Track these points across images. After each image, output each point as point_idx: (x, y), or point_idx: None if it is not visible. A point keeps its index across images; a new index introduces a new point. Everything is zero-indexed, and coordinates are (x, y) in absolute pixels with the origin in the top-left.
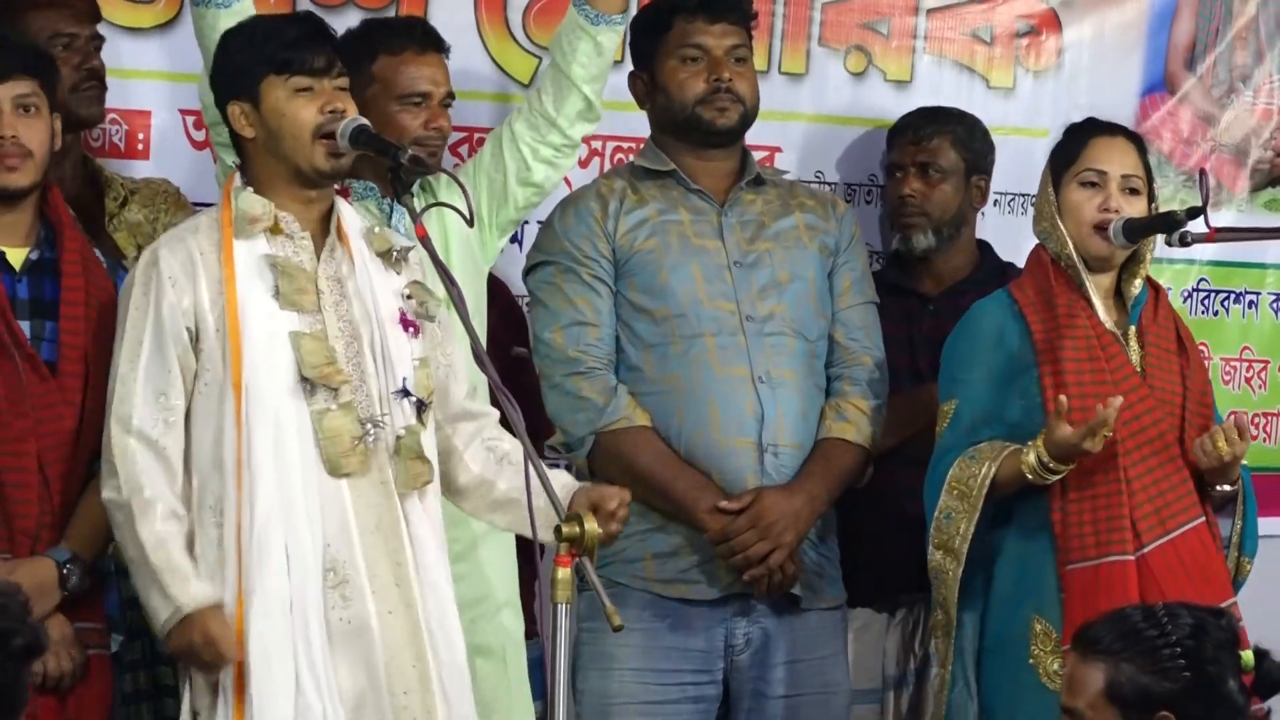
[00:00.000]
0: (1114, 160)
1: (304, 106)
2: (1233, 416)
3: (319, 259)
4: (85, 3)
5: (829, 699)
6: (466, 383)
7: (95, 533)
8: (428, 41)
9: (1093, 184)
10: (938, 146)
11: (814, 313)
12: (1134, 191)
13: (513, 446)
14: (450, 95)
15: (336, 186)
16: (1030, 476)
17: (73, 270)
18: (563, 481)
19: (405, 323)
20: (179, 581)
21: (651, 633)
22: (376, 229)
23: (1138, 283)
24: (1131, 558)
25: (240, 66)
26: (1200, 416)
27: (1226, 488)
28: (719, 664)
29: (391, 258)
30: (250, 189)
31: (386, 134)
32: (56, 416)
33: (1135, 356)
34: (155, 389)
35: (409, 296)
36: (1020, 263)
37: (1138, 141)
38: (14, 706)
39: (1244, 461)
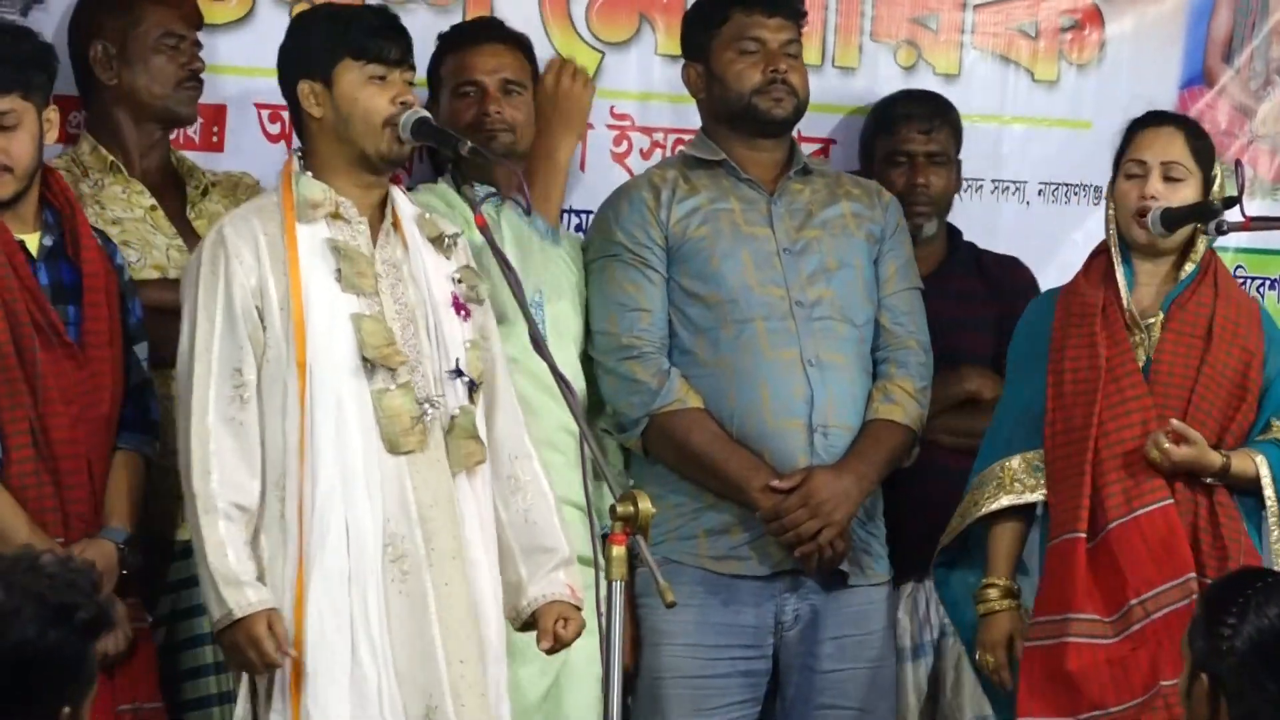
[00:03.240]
0: (1155, 149)
1: (376, 95)
2: (1170, 424)
3: (375, 244)
4: (193, 7)
5: (875, 673)
6: (513, 411)
7: (134, 509)
8: (483, 33)
9: (1135, 174)
10: (944, 136)
11: (861, 299)
12: (1175, 179)
13: (532, 484)
14: (513, 83)
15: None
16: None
17: (90, 256)
18: (544, 581)
19: (457, 306)
20: (232, 587)
21: (703, 609)
22: (427, 215)
23: (1188, 267)
24: (1082, 535)
25: (316, 47)
26: (1217, 402)
27: (1209, 479)
28: (769, 640)
29: (443, 243)
30: (309, 174)
31: (450, 126)
32: (94, 402)
33: (1153, 340)
34: (230, 365)
35: (459, 280)
36: (1063, 251)
37: (1189, 129)
38: (80, 681)
39: None
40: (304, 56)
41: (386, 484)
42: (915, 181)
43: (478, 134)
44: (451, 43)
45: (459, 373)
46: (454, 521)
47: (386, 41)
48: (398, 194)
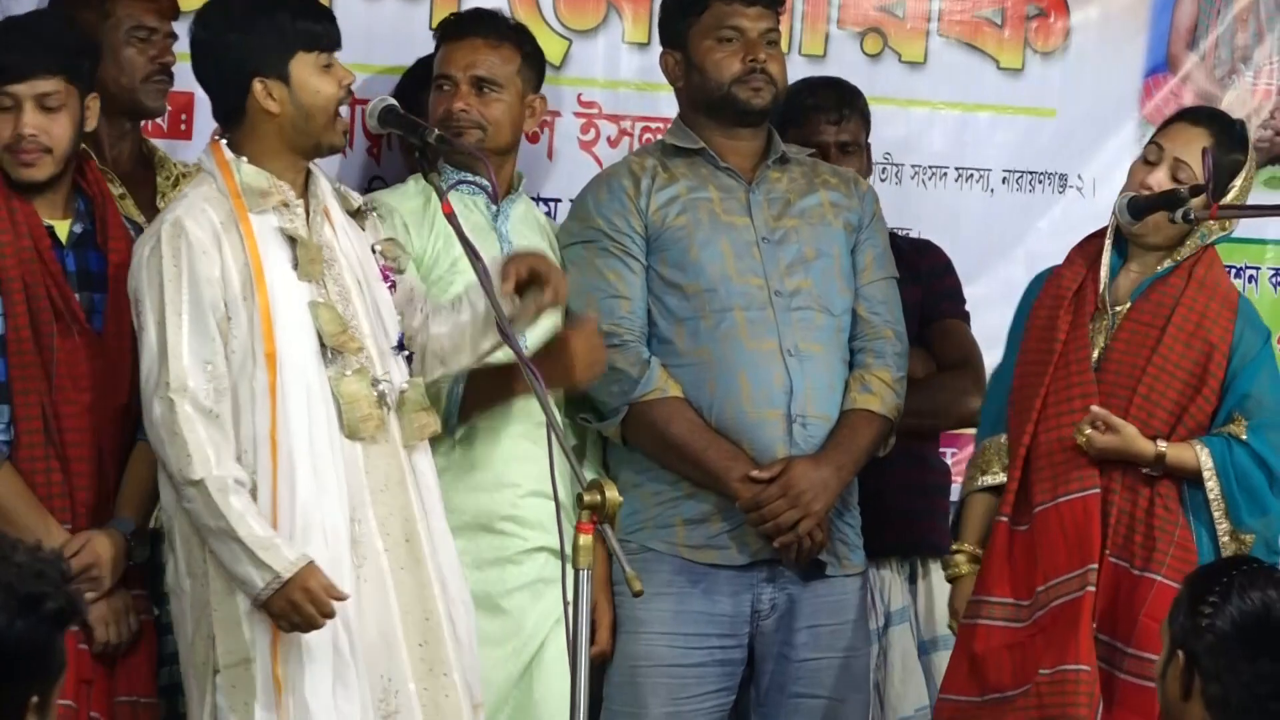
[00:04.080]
0: (1177, 142)
1: (329, 83)
2: (1092, 410)
3: (309, 226)
4: (169, 1)
5: (850, 662)
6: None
7: (147, 502)
8: (468, 27)
9: (1149, 160)
10: (854, 125)
11: (838, 288)
12: (1179, 180)
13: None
14: (485, 80)
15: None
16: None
17: (118, 245)
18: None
19: (385, 278)
20: (270, 551)
21: (680, 597)
22: (340, 188)
23: (1167, 261)
24: (1004, 519)
25: (267, 43)
26: (1168, 394)
27: (1146, 469)
28: (745, 629)
29: (361, 216)
30: (244, 159)
31: (427, 119)
32: (112, 391)
33: (1114, 329)
34: (202, 358)
35: (379, 251)
36: (1028, 240)
37: (1217, 138)
38: (49, 670)
39: (1243, 436)
40: (255, 53)
41: (347, 470)
42: None
43: (446, 130)
44: (442, 33)
45: (401, 346)
46: (406, 504)
47: (331, 27)
48: (316, 171)
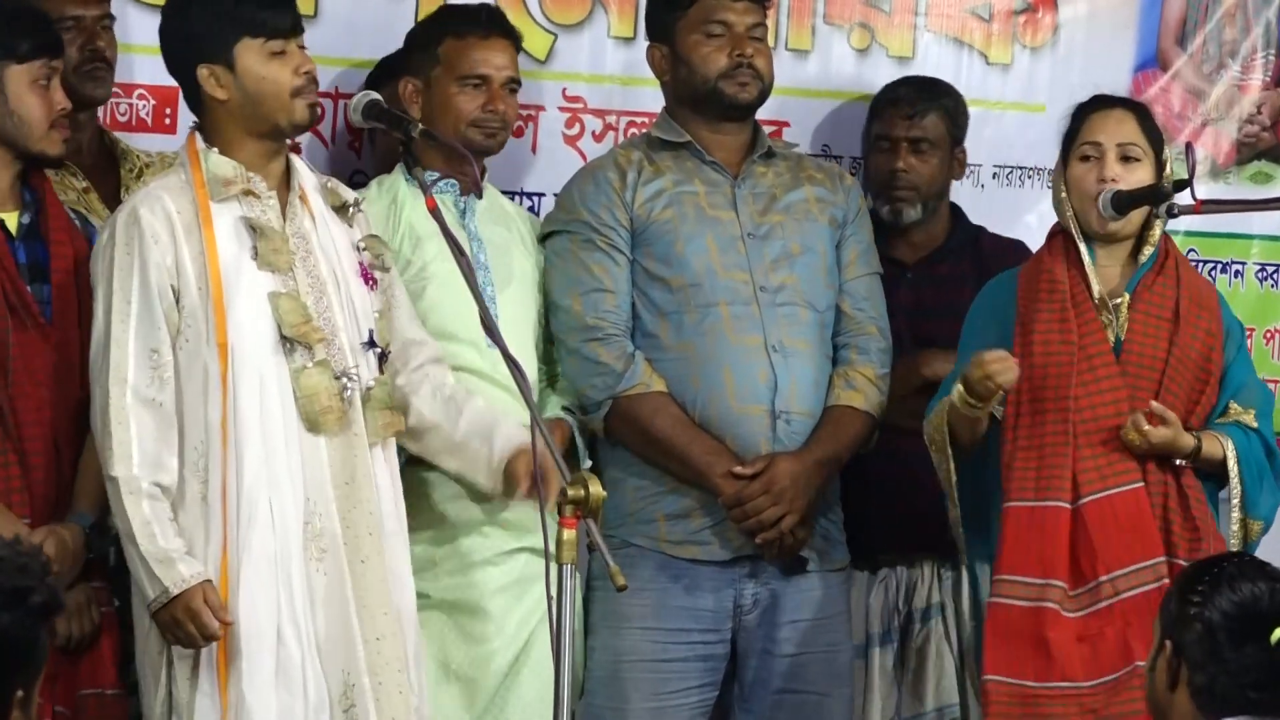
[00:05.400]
0: (1108, 131)
1: (281, 69)
2: (1150, 405)
3: (284, 217)
4: None
5: (832, 657)
6: (406, 309)
7: (104, 495)
8: (493, 26)
9: (1090, 157)
10: (930, 122)
11: (823, 284)
12: (1132, 160)
13: (456, 386)
14: (514, 81)
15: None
16: (961, 408)
17: (60, 238)
18: (506, 435)
19: (365, 275)
20: (164, 565)
21: (663, 593)
22: (328, 183)
23: (1147, 250)
24: (1067, 505)
25: (210, 29)
26: (1184, 384)
27: (1181, 461)
28: (727, 624)
29: (346, 211)
30: (215, 150)
31: (445, 115)
32: (68, 384)
33: (1121, 321)
34: (148, 346)
35: (364, 249)
36: (1017, 233)
37: (1139, 111)
38: (33, 663)
39: (1255, 425)
40: (198, 40)
41: (306, 462)
42: (895, 166)
43: (479, 129)
44: (457, 27)
45: (371, 344)
46: (370, 498)
47: (281, 14)
48: (298, 163)
